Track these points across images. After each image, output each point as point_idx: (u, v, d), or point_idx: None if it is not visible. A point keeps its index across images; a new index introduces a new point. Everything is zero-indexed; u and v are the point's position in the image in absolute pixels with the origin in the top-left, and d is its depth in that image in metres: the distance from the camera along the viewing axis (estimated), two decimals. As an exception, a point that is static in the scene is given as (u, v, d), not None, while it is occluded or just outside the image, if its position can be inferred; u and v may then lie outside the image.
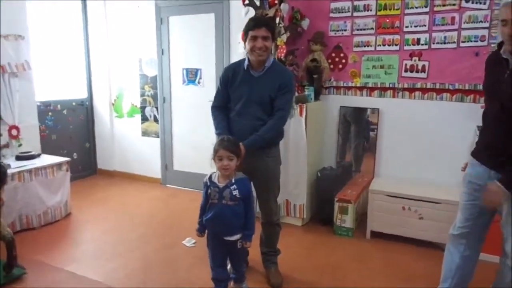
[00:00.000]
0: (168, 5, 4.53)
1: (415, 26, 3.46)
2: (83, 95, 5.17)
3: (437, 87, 3.46)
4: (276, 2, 3.47)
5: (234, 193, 2.19)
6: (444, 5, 3.32)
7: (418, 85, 3.53)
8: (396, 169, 3.71)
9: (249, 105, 2.45)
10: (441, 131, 3.49)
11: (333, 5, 3.74)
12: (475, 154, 2.08)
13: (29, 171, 3.51)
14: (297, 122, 3.42)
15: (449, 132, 3.45)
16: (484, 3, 3.18)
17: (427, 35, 3.42)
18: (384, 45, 3.60)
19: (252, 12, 3.56)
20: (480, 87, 3.13)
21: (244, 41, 2.44)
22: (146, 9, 4.67)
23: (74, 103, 5.03)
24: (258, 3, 3.57)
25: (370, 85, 3.73)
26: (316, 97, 3.79)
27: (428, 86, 3.49)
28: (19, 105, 3.91)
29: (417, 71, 3.52)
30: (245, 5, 3.61)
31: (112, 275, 2.80)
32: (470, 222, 2.11)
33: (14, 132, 3.89)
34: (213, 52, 4.35)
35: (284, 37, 3.52)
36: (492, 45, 3.12)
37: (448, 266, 2.22)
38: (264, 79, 2.45)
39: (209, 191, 2.25)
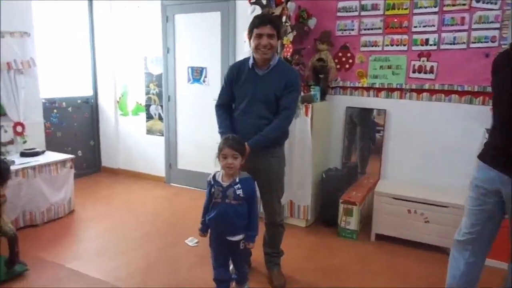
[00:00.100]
0: (174, 3, 4.52)
1: (424, 26, 3.40)
2: (88, 92, 5.17)
3: (446, 88, 3.40)
4: (282, 0, 3.44)
5: (237, 193, 2.16)
6: (454, 5, 3.27)
7: (426, 86, 3.48)
8: (402, 171, 3.66)
9: (254, 103, 2.42)
10: (449, 134, 3.44)
11: (340, 4, 3.70)
12: (483, 156, 2.02)
13: (33, 167, 3.51)
14: (303, 122, 3.38)
15: (457, 135, 3.40)
16: (495, 3, 3.12)
17: (436, 35, 3.37)
18: (392, 45, 3.55)
19: (258, 11, 3.53)
20: (490, 89, 3.07)
21: (249, 39, 2.42)
22: (152, 7, 4.66)
23: (79, 101, 5.03)
24: (264, 1, 3.54)
25: (377, 86, 3.68)
26: (322, 97, 3.75)
27: (437, 88, 3.44)
28: (24, 102, 3.91)
29: (425, 72, 3.47)
30: (251, 3, 3.59)
31: (114, 273, 2.78)
32: (477, 228, 2.05)
33: (19, 128, 3.89)
34: (219, 50, 4.32)
35: (290, 36, 3.49)
36: (503, 46, 3.06)
37: (453, 273, 2.17)
38: (269, 78, 2.42)
39: (212, 190, 2.23)
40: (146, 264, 2.92)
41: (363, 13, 3.63)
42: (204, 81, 4.50)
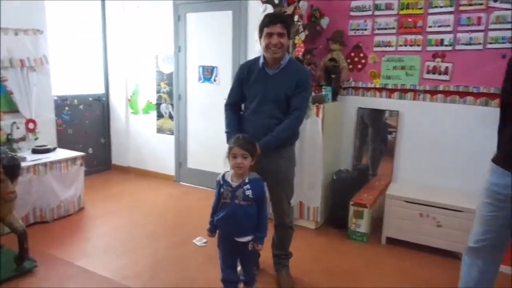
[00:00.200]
0: (185, 2, 4.51)
1: (439, 26, 3.34)
2: (100, 90, 5.20)
3: (461, 90, 3.33)
4: (295, -1, 3.40)
5: (247, 193, 2.14)
6: (470, 5, 3.20)
7: (441, 88, 3.41)
8: (414, 174, 3.60)
9: (264, 103, 2.40)
10: (463, 136, 3.36)
11: (353, 3, 3.65)
12: (497, 160, 1.93)
13: (44, 164, 3.53)
14: (314, 122, 3.34)
15: (472, 137, 3.32)
16: (513, 3, 3.05)
17: (451, 35, 3.30)
18: (405, 45, 3.49)
19: (270, 10, 3.50)
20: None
21: (260, 38, 2.39)
22: (163, 6, 4.66)
23: (90, 98, 5.06)
24: (276, 0, 3.50)
25: (390, 87, 3.62)
26: (334, 98, 3.71)
27: (451, 89, 3.36)
28: (36, 99, 3.94)
29: (439, 73, 3.40)
30: (263, 2, 3.56)
31: (122, 272, 2.78)
32: (490, 235, 1.97)
33: (31, 125, 3.92)
34: (230, 50, 4.30)
35: (302, 36, 3.45)
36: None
37: (465, 281, 2.10)
38: (279, 77, 2.39)
39: (221, 190, 2.20)
40: (154, 263, 2.91)
41: (376, 12, 3.57)
42: (215, 80, 4.48)
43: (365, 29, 3.65)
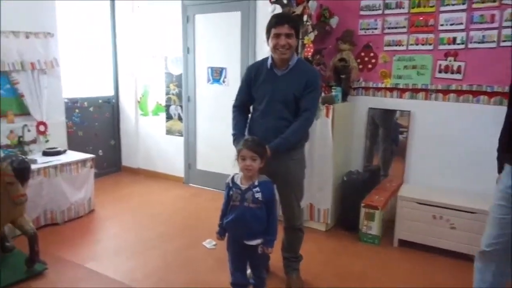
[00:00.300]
0: (194, 4, 4.51)
1: (451, 24, 3.27)
2: (110, 92, 5.23)
3: (474, 89, 3.26)
4: (304, -1, 3.37)
5: (256, 196, 2.11)
6: (483, 2, 3.13)
7: (453, 87, 3.34)
8: (427, 175, 3.53)
9: (272, 104, 2.37)
10: (477, 136, 3.29)
11: (363, 2, 3.60)
12: None
13: (55, 166, 3.55)
14: (323, 123, 3.30)
15: (486, 138, 3.24)
16: (528, 0, 2.98)
17: (464, 33, 3.24)
18: (417, 44, 3.43)
19: (279, 10, 3.48)
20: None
21: (267, 39, 2.36)
22: (172, 8, 4.66)
23: (100, 101, 5.09)
24: (285, 0, 3.48)
25: (401, 86, 3.57)
26: (344, 98, 3.66)
27: (464, 88, 3.30)
28: (47, 102, 3.97)
29: (452, 72, 3.33)
30: (272, 2, 3.54)
31: (131, 274, 2.78)
32: (504, 238, 1.92)
33: (41, 128, 3.95)
34: (239, 51, 4.29)
35: (311, 36, 3.41)
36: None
37: (479, 285, 2.06)
38: (288, 78, 2.36)
39: (231, 192, 2.18)
40: (163, 265, 2.91)
41: (387, 11, 3.52)
42: (223, 82, 4.47)
43: (375, 28, 3.60)
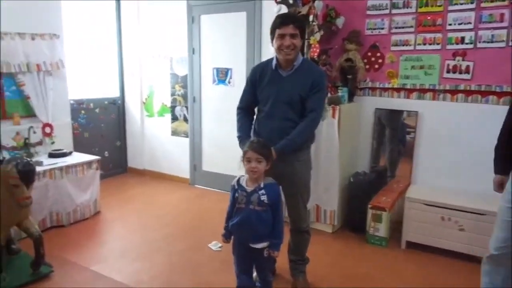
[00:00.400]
0: (199, 4, 4.49)
1: (459, 24, 3.23)
2: (115, 94, 5.23)
3: (483, 89, 3.22)
4: (310, -1, 3.34)
5: (262, 198, 2.09)
6: (492, 1, 3.09)
7: (461, 87, 3.30)
8: (435, 176, 3.49)
9: (278, 105, 2.34)
10: (485, 137, 3.23)
11: (370, 2, 3.57)
12: None
13: (60, 168, 3.55)
14: (330, 124, 3.27)
15: (494, 138, 3.15)
16: (538, -2, 2.93)
17: (472, 33, 3.19)
18: (424, 44, 3.39)
19: (284, 10, 3.45)
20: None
21: (272, 39, 2.34)
22: (177, 8, 4.65)
23: (106, 102, 5.09)
24: (291, 1, 3.45)
25: (408, 87, 3.53)
26: (350, 99, 3.63)
27: (473, 88, 3.25)
28: (52, 103, 3.97)
29: (460, 72, 3.29)
30: (277, 3, 3.51)
31: (136, 276, 2.77)
32: None
33: (47, 129, 3.95)
34: (244, 51, 4.27)
35: (317, 36, 3.38)
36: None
37: None
38: (293, 79, 2.34)
39: (236, 194, 2.16)
40: (169, 267, 2.89)
41: (394, 11, 3.48)
42: (229, 82, 4.45)
43: (382, 28, 3.56)
